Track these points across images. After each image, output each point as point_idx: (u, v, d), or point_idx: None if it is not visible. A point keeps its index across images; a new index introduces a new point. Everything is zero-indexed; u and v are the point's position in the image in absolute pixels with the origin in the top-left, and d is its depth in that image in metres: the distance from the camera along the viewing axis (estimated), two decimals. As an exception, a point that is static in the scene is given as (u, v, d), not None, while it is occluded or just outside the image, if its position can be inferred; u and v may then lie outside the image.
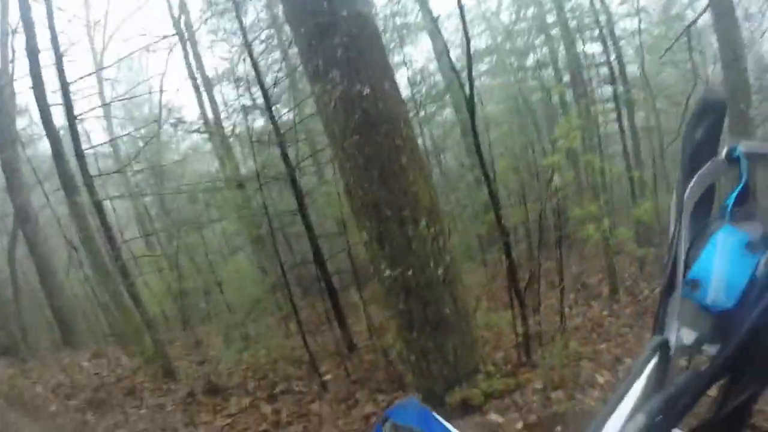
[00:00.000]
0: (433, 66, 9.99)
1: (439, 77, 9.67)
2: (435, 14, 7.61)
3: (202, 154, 11.62)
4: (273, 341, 6.71)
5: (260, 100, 5.97)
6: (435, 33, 8.26)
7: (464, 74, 4.18)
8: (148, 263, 9.94)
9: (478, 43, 12.12)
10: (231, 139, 7.31)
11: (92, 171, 9.23)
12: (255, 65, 6.00)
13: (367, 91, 3.02)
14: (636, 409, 0.50)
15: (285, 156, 5.83)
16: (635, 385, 0.52)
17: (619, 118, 10.14)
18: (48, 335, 13.97)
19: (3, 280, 13.57)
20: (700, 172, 0.58)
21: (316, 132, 6.56)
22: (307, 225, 6.20)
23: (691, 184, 0.57)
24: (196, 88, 10.46)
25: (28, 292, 13.99)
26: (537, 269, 5.76)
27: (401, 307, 3.27)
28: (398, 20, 9.17)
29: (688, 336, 0.51)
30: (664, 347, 0.52)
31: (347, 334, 6.77)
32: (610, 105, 10.24)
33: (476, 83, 12.43)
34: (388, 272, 3.19)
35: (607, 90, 10.47)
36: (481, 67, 11.48)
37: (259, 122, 7.01)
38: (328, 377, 6.00)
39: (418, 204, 3.11)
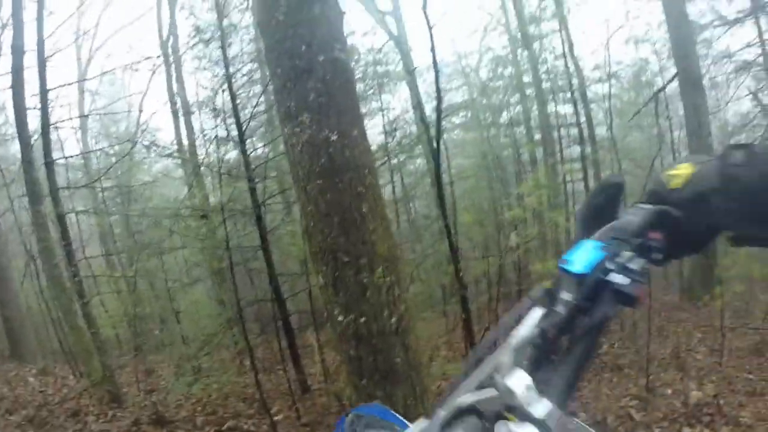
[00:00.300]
0: (409, 115, 10.18)
1: (414, 127, 9.88)
2: (415, 65, 7.83)
3: (172, 179, 11.55)
4: (225, 377, 6.59)
5: (235, 132, 6.01)
6: (412, 84, 8.47)
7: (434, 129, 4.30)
8: (107, 283, 9.72)
9: (455, 97, 12.49)
10: (202, 168, 7.29)
11: (62, 181, 9.12)
12: (233, 97, 6.07)
13: (334, 137, 3.09)
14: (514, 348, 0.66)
15: (252, 191, 5.85)
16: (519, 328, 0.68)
17: (585, 178, 10.48)
18: (-5, 347, 13.44)
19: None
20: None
21: (286, 170, 6.65)
22: (268, 262, 6.20)
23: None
24: (175, 112, 10.48)
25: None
26: (494, 321, 5.87)
27: (352, 354, 3.28)
28: (379, 68, 9.42)
29: (564, 295, 0.68)
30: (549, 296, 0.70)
31: (302, 375, 6.71)
32: (578, 165, 10.58)
33: (450, 136, 12.77)
34: (340, 318, 3.21)
35: (576, 150, 10.87)
36: (455, 120, 11.81)
37: (233, 154, 7.03)
38: (278, 417, 5.92)
39: (375, 253, 3.16)
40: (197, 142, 9.55)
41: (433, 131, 4.17)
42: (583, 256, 0.67)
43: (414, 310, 4.43)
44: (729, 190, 0.67)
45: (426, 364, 4.01)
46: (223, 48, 6.36)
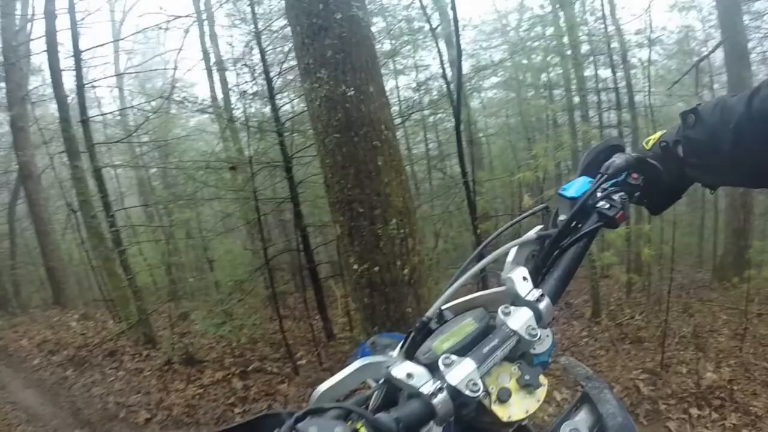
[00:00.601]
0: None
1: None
2: (451, 21, 7.67)
3: (208, 133, 11.77)
4: (252, 320, 6.87)
5: (266, 87, 6.10)
6: (449, 40, 8.34)
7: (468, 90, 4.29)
8: (144, 233, 10.11)
9: (495, 55, 12.17)
10: (237, 123, 7.42)
11: (100, 137, 9.43)
12: (262, 53, 6.15)
13: (351, 92, 3.18)
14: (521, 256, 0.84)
15: (282, 144, 5.99)
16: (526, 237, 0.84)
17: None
18: (40, 293, 14.20)
19: (2, 235, 13.81)
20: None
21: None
22: (296, 212, 6.35)
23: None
24: (209, 68, 10.60)
25: (24, 250, 14.19)
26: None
27: (366, 302, 3.43)
28: (416, 24, 9.26)
29: (561, 217, 0.86)
30: (548, 215, 0.89)
31: (327, 323, 6.93)
32: (614, 131, 10.30)
33: (487, 94, 12.54)
34: (356, 266, 3.36)
35: (614, 116, 10.58)
36: (494, 79, 11.59)
37: (266, 109, 7.13)
38: (301, 362, 6.20)
39: (390, 205, 3.27)
40: (232, 97, 9.69)
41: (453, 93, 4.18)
42: (576, 186, 0.86)
43: (438, 266, 4.53)
44: (687, 146, 0.85)
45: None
46: (252, 5, 6.42)
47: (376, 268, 3.30)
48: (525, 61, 10.85)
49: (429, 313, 0.75)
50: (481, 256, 0.83)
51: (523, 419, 0.66)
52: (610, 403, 0.76)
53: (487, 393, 0.65)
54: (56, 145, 10.90)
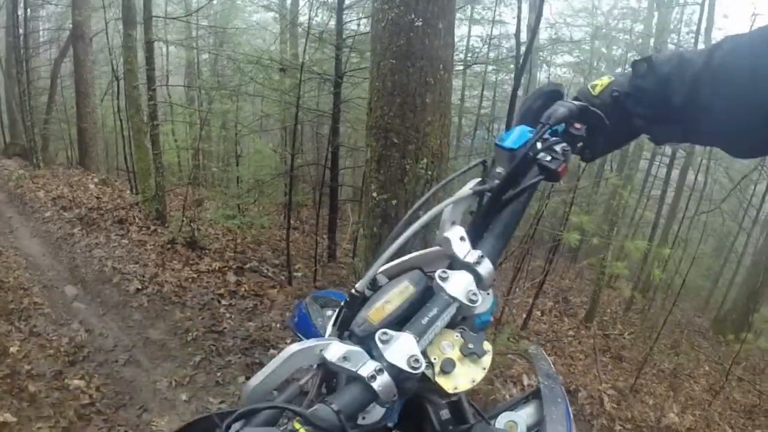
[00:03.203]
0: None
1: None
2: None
3: (268, 32, 11.64)
4: (262, 220, 6.98)
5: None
6: (533, 4, 8.07)
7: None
8: (181, 114, 10.17)
9: (576, 34, 11.79)
10: (300, 28, 7.30)
11: (159, 11, 9.36)
12: (339, -37, 6.01)
13: (419, 22, 3.09)
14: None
15: (338, 58, 5.91)
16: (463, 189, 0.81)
17: (670, 162, 9.95)
18: (66, 152, 14.53)
19: (42, 89, 14.00)
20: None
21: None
22: (334, 128, 6.33)
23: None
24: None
25: (60, 107, 14.38)
26: (522, 258, 5.90)
27: (374, 231, 3.44)
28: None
29: (498, 169, 0.83)
30: (484, 167, 0.86)
31: (333, 243, 7.03)
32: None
33: (557, 71, 12.16)
34: (375, 194, 3.35)
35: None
36: (568, 57, 11.25)
37: (331, 22, 7.00)
38: (297, 274, 6.34)
39: (425, 144, 3.24)
40: (300, 2, 9.54)
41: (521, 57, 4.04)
42: (515, 136, 0.80)
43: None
44: (636, 97, 0.80)
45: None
46: None
47: (394, 201, 3.30)
48: (604, 50, 10.49)
49: (359, 286, 0.72)
50: (417, 216, 0.77)
51: (470, 389, 0.64)
52: (558, 409, 0.74)
53: (430, 364, 0.64)
54: (114, 11, 10.89)
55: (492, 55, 9.38)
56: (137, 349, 4.17)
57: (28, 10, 12.19)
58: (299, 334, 1.18)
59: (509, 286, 5.93)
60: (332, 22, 6.84)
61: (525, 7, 10.44)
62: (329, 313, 1.14)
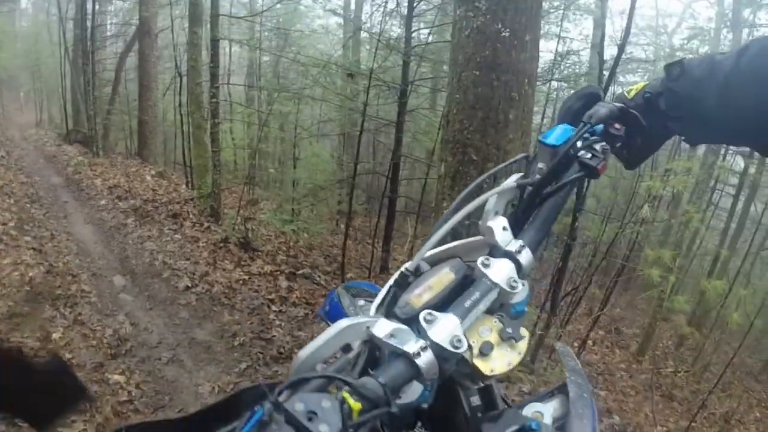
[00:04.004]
0: (584, 53, 9.59)
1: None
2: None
3: (331, 36, 11.72)
4: (318, 227, 6.89)
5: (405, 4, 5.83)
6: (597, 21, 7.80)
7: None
8: (240, 114, 10.29)
9: (637, 52, 11.44)
10: (366, 34, 7.26)
11: (225, 11, 9.48)
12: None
13: (506, 33, 2.90)
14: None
15: (406, 66, 5.76)
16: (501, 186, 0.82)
17: (736, 193, 9.46)
18: (125, 142, 15.00)
19: (106, 81, 14.51)
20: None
21: (443, 59, 6.46)
22: (398, 139, 6.20)
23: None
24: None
25: (123, 99, 14.83)
26: (585, 287, 5.62)
27: (445, 250, 3.27)
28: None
29: (540, 164, 0.83)
30: (526, 160, 0.87)
31: (386, 255, 6.91)
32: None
33: (619, 89, 11.80)
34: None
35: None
36: (630, 77, 10.93)
37: (397, 31, 6.93)
38: (349, 283, 6.18)
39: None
40: (364, 8, 9.53)
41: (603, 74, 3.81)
42: (557, 133, 0.83)
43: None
44: (669, 99, 0.83)
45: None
46: None
47: (467, 222, 3.11)
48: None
49: (410, 266, 0.74)
50: (460, 207, 0.80)
51: (506, 372, 0.66)
52: (584, 404, 0.73)
53: (470, 347, 0.65)
54: (180, 8, 11.15)
55: (557, 71, 9.15)
56: (181, 349, 4.08)
57: (97, 4, 12.62)
58: (331, 324, 1.14)
59: (566, 315, 5.65)
60: (394, 28, 6.76)
61: (589, 24, 10.18)
62: (361, 303, 1.21)
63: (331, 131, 9.49)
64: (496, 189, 0.80)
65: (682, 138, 0.90)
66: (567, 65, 8.95)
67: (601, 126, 0.83)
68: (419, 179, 7.02)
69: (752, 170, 9.26)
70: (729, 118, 0.77)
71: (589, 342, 6.97)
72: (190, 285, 5.19)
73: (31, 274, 4.66)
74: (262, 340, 4.43)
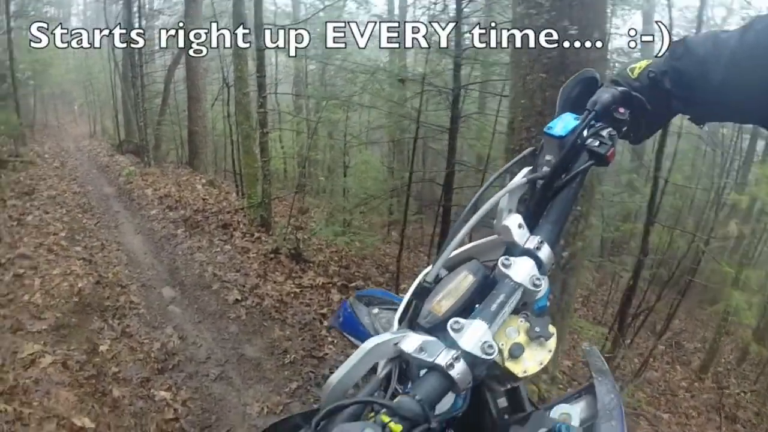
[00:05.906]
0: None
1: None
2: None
3: (377, 41, 11.65)
4: (371, 240, 6.75)
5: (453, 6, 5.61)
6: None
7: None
8: (289, 122, 10.32)
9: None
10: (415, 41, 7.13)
11: (269, 21, 9.50)
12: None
13: (573, 30, 2.65)
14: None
15: (458, 69, 5.53)
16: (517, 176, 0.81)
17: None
18: (176, 152, 15.40)
19: (155, 93, 14.91)
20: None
21: (495, 62, 6.19)
22: (451, 146, 5.97)
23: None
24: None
25: (173, 110, 15.23)
26: (651, 307, 5.26)
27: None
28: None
29: (547, 157, 0.82)
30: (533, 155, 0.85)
31: (440, 265, 6.69)
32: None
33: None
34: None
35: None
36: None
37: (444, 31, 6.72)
38: (403, 295, 5.99)
39: (575, 174, 2.79)
40: (409, 11, 9.41)
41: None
42: (562, 124, 0.81)
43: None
44: (673, 78, 0.84)
45: (572, 312, 3.66)
46: None
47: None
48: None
49: (429, 278, 0.76)
50: (475, 209, 0.81)
51: (538, 371, 0.65)
52: (612, 405, 0.72)
53: (499, 350, 0.64)
54: (225, 20, 11.29)
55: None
56: (230, 365, 3.95)
57: (143, 19, 13.03)
58: (346, 334, 1.23)
59: (633, 336, 5.30)
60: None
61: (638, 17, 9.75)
62: (375, 311, 1.21)
63: (380, 138, 9.38)
64: (507, 187, 0.80)
65: (687, 117, 0.90)
66: (620, 64, 8.53)
67: (606, 112, 0.82)
68: (471, 187, 6.75)
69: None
70: (735, 95, 0.77)
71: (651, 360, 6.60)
72: (240, 298, 5.08)
73: (80, 285, 4.66)
74: (313, 358, 4.27)
